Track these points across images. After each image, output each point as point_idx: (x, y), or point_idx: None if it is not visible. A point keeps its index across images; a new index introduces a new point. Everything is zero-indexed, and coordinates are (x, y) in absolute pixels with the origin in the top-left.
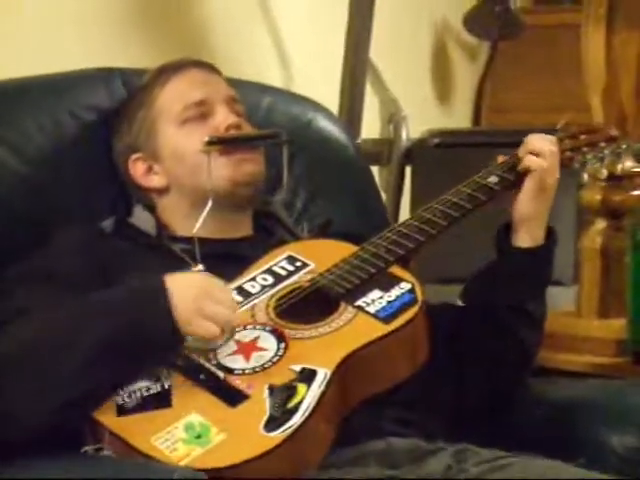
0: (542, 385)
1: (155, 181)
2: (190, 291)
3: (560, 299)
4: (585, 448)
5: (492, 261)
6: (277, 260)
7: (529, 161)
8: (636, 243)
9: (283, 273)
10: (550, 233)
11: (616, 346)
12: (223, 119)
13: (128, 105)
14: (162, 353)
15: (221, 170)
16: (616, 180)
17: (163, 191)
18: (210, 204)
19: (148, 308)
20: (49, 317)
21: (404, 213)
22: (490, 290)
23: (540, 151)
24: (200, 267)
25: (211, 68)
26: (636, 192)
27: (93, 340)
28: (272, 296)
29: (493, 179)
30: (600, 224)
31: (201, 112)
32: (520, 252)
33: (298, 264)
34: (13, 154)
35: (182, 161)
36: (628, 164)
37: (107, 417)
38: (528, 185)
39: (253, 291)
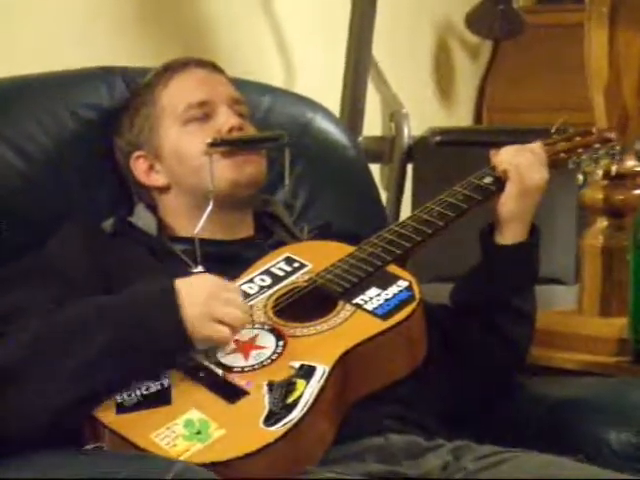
0: (542, 383)
1: (156, 180)
2: (199, 295)
3: (562, 298)
4: (584, 445)
5: (478, 261)
6: (275, 261)
7: (503, 168)
8: (638, 242)
9: (281, 274)
10: (533, 230)
11: (617, 345)
12: (225, 120)
13: (131, 103)
14: (172, 357)
15: (223, 172)
16: (618, 179)
17: (164, 190)
18: (211, 206)
19: (157, 313)
20: (58, 316)
21: (405, 211)
22: (476, 288)
23: (508, 168)
24: (200, 269)
25: (214, 67)
26: (638, 191)
27: (103, 342)
28: (270, 296)
29: (488, 179)
30: (602, 223)
31: (204, 113)
32: (502, 249)
33: (296, 265)
34: (14, 152)
35: (183, 161)
36: (630, 163)
37: (107, 415)
38: (508, 188)
39: (251, 292)
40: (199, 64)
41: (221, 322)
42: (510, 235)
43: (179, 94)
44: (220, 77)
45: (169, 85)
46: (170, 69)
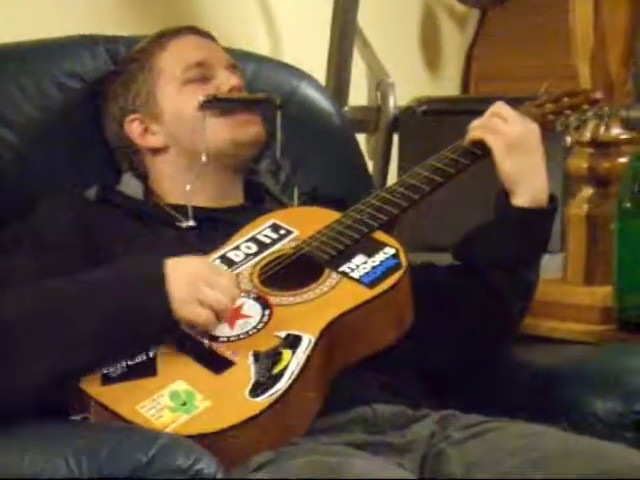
0: (526, 351)
1: (152, 141)
2: (187, 276)
3: (546, 266)
4: (568, 413)
5: (488, 222)
6: (261, 228)
7: (473, 134)
8: (622, 210)
9: (267, 241)
10: (552, 200)
11: (602, 313)
12: (226, 80)
13: (124, 69)
14: (157, 338)
15: (221, 131)
16: (603, 147)
17: (159, 152)
18: (204, 159)
19: (145, 291)
20: (49, 289)
21: (391, 181)
22: (483, 250)
23: (482, 131)
24: (191, 223)
25: (209, 36)
26: (623, 159)
27: (88, 322)
28: (256, 264)
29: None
30: (587, 191)
31: (202, 74)
32: (514, 210)
33: (282, 232)
34: None
35: (182, 121)
36: (615, 131)
37: (92, 386)
38: (494, 149)
39: (237, 259)
40: (194, 31)
41: (206, 305)
42: (521, 198)
43: (177, 56)
44: (215, 44)
45: (166, 49)
46: (165, 35)
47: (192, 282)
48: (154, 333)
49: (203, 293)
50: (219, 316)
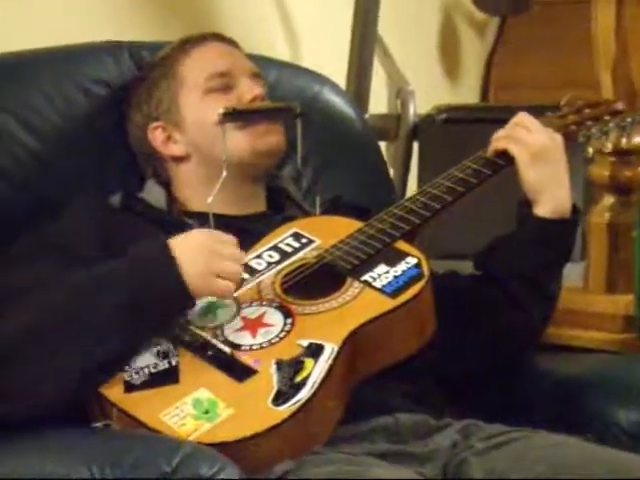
0: (549, 361)
1: (174, 149)
2: (197, 251)
3: (568, 275)
4: (591, 423)
5: (510, 232)
6: (283, 237)
7: (497, 144)
8: None
9: (289, 250)
10: (575, 211)
11: (624, 322)
12: (248, 90)
13: (148, 75)
14: (175, 315)
15: (241, 141)
16: (625, 155)
17: (181, 160)
18: (225, 174)
19: (158, 275)
20: (56, 292)
21: (411, 189)
22: (505, 260)
23: (506, 140)
24: None
25: (233, 43)
26: None
27: (105, 312)
28: (278, 273)
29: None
30: (608, 200)
31: (225, 83)
32: (537, 220)
33: (304, 241)
34: (22, 127)
35: (203, 130)
36: (637, 139)
37: (115, 394)
38: (518, 159)
39: (259, 268)
40: (218, 38)
41: (220, 276)
42: (543, 209)
43: (200, 65)
44: (239, 52)
45: (190, 56)
46: (189, 42)
47: (201, 256)
48: (172, 312)
49: (218, 266)
50: (237, 285)
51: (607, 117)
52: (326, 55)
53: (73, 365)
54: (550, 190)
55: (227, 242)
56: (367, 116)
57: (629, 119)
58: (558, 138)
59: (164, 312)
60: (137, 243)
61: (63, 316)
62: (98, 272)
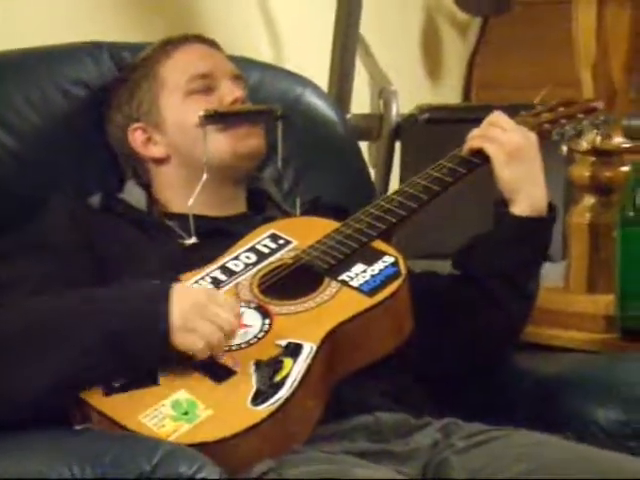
0: (529, 360)
1: (154, 151)
2: (188, 307)
3: (548, 275)
4: (571, 422)
5: (487, 231)
6: (260, 238)
7: (472, 143)
8: (624, 219)
9: (266, 251)
10: (551, 209)
11: (604, 322)
12: (229, 92)
13: (129, 77)
14: (154, 359)
15: (222, 144)
16: (605, 156)
17: (161, 162)
18: (205, 177)
19: (147, 312)
20: (48, 304)
21: (393, 189)
22: (483, 259)
23: (480, 140)
24: (194, 240)
25: (215, 44)
26: (625, 168)
27: (93, 333)
28: (256, 274)
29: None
30: (589, 200)
31: (206, 85)
32: (513, 219)
33: (281, 242)
34: (2, 128)
35: (183, 132)
36: (617, 140)
37: (94, 397)
38: (493, 158)
39: (236, 269)
40: (199, 39)
41: (202, 337)
42: (519, 207)
43: (181, 66)
44: (221, 53)
45: (171, 58)
46: (170, 44)
47: (189, 310)
48: (151, 357)
49: (199, 325)
50: (213, 348)
51: (581, 115)
52: (309, 55)
53: (38, 383)
54: (525, 188)
55: (224, 306)
56: (349, 116)
57: (602, 117)
58: (532, 137)
59: (142, 352)
60: (143, 283)
61: (41, 331)
62: (88, 294)
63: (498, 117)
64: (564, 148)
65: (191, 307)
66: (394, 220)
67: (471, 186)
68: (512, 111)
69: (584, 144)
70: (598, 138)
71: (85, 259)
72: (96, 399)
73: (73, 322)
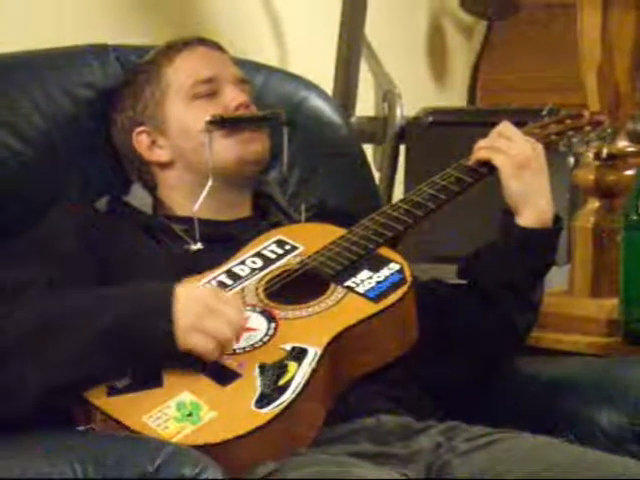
0: (532, 363)
1: (159, 155)
2: (193, 306)
3: (553, 278)
4: (573, 425)
5: (494, 241)
6: (266, 244)
7: (480, 154)
8: (629, 223)
9: (272, 256)
10: (557, 221)
11: (608, 326)
12: (233, 97)
13: (133, 80)
14: (158, 358)
15: (226, 149)
16: (609, 160)
17: (166, 166)
18: (210, 182)
19: (152, 313)
20: (56, 302)
21: (398, 192)
22: (488, 268)
23: (486, 151)
24: (199, 245)
25: (219, 47)
26: (629, 172)
27: (94, 331)
28: (262, 278)
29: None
30: (593, 204)
31: (210, 89)
32: (519, 230)
33: (287, 247)
34: (7, 130)
35: (188, 137)
36: (622, 143)
37: (98, 398)
38: (500, 169)
39: (242, 274)
40: (204, 43)
41: (209, 336)
42: (526, 218)
43: (186, 71)
44: (225, 56)
45: (175, 62)
46: (174, 47)
47: (194, 309)
48: (155, 356)
49: (207, 324)
50: (221, 347)
51: (588, 128)
52: (314, 58)
53: (38, 383)
54: (532, 200)
55: (230, 304)
56: (354, 119)
57: (609, 130)
58: (540, 148)
59: (145, 351)
60: (149, 283)
61: (43, 329)
62: (92, 293)
63: (506, 128)
64: (572, 160)
65: (197, 305)
66: (400, 228)
67: (478, 189)
68: (519, 115)
69: (590, 155)
70: (605, 150)
71: (89, 266)
72: (100, 399)
73: (75, 320)
